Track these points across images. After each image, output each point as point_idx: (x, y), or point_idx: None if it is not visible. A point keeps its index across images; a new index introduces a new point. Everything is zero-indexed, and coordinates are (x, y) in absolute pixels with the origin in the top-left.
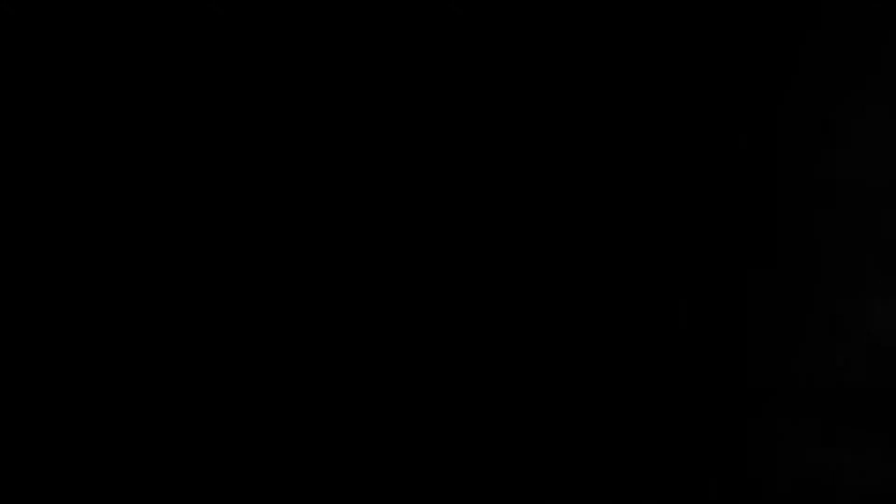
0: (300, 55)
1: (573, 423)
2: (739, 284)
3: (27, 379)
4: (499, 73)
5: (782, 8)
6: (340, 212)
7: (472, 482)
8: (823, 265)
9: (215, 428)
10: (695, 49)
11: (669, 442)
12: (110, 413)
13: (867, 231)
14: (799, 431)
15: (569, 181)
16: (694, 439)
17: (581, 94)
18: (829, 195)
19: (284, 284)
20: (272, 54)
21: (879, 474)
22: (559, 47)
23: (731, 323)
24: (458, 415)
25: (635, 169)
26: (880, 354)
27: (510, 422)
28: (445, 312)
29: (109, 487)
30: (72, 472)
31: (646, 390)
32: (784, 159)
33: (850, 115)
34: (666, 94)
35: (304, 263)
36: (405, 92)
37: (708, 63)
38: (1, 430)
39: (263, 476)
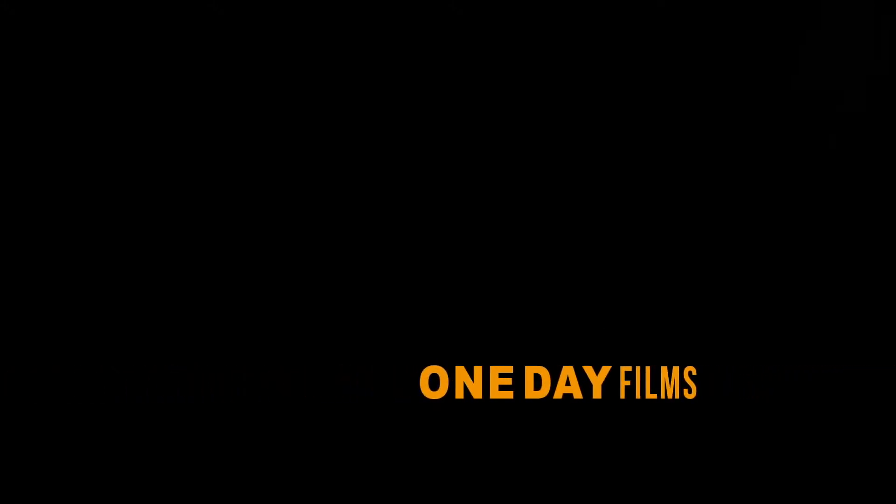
0: (300, 54)
1: None
2: None
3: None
4: (499, 72)
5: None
6: (338, 211)
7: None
8: None
9: (214, 425)
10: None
11: None
12: (112, 411)
13: None
14: None
15: (566, 180)
16: None
17: (580, 95)
18: None
19: (283, 283)
20: (272, 54)
21: None
22: (564, 46)
23: None
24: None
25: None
26: None
27: None
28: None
29: (111, 486)
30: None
31: None
32: None
33: None
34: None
35: (302, 262)
36: (405, 90)
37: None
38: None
39: (262, 474)
